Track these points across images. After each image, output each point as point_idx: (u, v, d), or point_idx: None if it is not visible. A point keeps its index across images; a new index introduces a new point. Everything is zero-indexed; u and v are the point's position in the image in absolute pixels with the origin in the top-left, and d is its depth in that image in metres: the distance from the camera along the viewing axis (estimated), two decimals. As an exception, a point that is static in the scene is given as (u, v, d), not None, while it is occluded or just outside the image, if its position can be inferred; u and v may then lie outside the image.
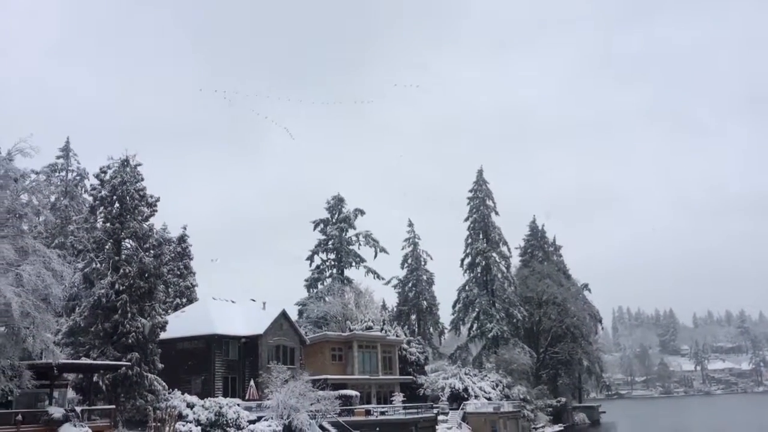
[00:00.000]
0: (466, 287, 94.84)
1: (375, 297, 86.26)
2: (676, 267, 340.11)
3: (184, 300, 67.73)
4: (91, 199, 49.27)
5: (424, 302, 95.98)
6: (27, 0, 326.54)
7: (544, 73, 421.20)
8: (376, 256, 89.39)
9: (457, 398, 70.69)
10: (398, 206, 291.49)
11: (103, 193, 44.37)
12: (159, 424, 39.14)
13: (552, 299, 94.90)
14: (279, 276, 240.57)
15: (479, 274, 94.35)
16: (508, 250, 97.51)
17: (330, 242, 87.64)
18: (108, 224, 43.82)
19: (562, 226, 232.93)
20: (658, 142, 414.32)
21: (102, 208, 44.58)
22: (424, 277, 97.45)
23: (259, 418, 45.31)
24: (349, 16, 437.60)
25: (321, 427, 48.17)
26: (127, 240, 43.85)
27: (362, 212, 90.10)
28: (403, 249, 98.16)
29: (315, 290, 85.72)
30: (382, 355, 67.84)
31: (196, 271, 73.47)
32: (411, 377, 72.71)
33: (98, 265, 43.21)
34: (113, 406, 38.70)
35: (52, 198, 61.77)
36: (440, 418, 63.57)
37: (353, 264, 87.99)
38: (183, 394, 44.65)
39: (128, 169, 44.60)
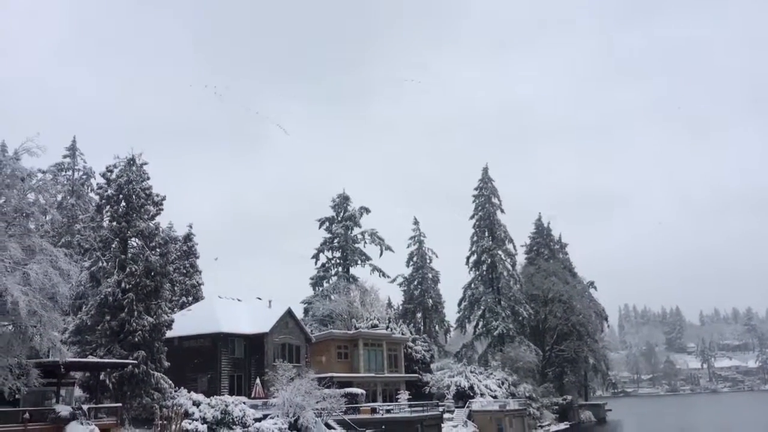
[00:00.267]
0: (472, 285, 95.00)
1: (380, 295, 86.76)
2: (682, 265, 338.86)
3: (190, 298, 68.01)
4: (97, 197, 49.51)
5: (430, 300, 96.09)
6: (27, 0, 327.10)
7: (544, 72, 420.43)
8: (381, 254, 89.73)
9: (463, 396, 70.73)
10: (402, 204, 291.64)
11: (109, 192, 44.46)
12: (165, 422, 39.31)
13: (558, 297, 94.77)
14: (284, 274, 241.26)
15: (485, 272, 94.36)
16: (514, 247, 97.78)
17: (335, 240, 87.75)
18: (114, 223, 43.98)
19: (565, 225, 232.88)
20: (660, 140, 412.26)
21: (108, 206, 44.68)
22: (430, 275, 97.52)
23: (265, 416, 45.42)
24: (349, 15, 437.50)
25: (327, 425, 48.28)
26: (133, 239, 43.89)
27: (367, 210, 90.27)
28: (408, 247, 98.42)
29: (320, 288, 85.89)
30: (388, 353, 67.86)
31: (202, 269, 73.98)
32: (416, 375, 72.62)
33: (105, 263, 43.36)
34: (120, 404, 38.76)
35: (59, 197, 62.11)
36: (446, 416, 63.56)
37: (359, 262, 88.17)
38: (189, 392, 44.87)
39: (134, 167, 44.71)
